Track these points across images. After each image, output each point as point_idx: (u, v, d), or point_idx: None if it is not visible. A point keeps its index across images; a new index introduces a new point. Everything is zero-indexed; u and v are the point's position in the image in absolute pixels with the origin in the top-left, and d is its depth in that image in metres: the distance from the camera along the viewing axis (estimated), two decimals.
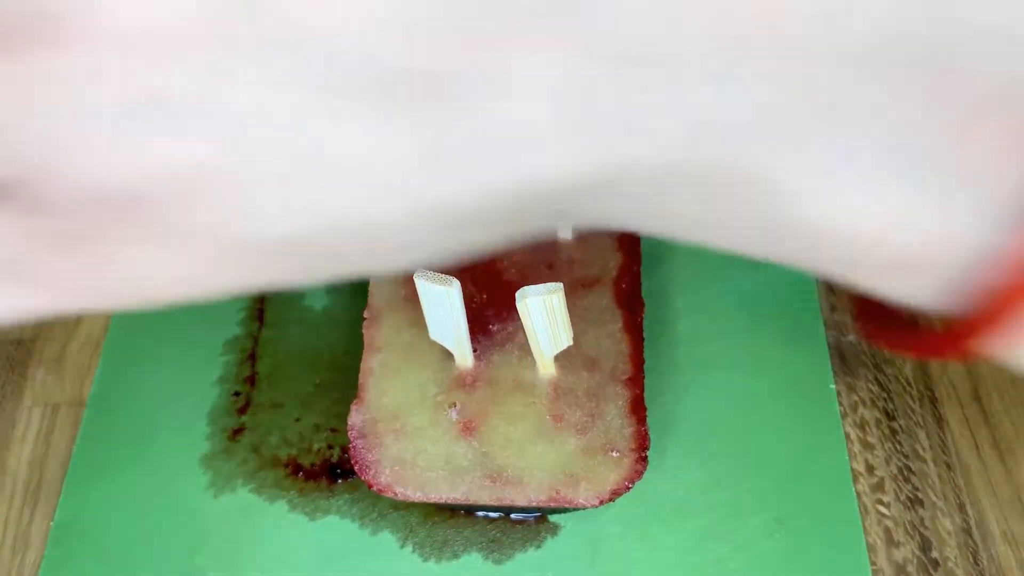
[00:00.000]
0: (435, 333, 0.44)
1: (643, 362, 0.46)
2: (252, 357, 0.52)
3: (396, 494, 0.43)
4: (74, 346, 0.54)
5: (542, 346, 0.43)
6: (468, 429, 0.44)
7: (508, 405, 0.45)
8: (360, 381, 0.46)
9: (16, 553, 0.48)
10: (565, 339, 0.43)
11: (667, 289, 0.53)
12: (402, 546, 0.46)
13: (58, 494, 0.49)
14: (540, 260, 0.49)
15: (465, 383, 0.46)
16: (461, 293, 0.41)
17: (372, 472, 0.43)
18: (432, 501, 0.43)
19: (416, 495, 0.43)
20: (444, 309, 0.42)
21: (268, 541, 0.47)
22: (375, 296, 0.48)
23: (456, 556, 0.46)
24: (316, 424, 0.50)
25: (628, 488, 0.42)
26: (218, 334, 0.53)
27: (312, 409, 0.50)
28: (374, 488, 0.43)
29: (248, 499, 0.48)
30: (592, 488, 0.42)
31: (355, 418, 0.45)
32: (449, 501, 0.43)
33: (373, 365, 0.46)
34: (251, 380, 0.51)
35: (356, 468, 0.44)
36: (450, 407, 0.45)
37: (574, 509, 0.43)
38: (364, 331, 0.47)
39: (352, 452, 0.44)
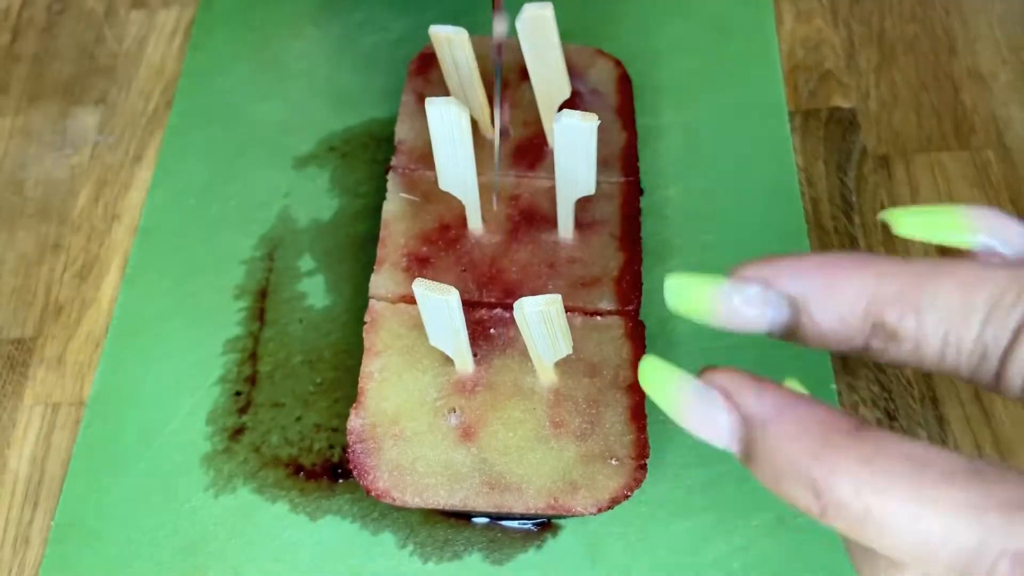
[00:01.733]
0: (434, 339, 0.44)
1: None
2: (253, 356, 0.52)
3: (394, 499, 0.43)
4: (75, 345, 0.54)
5: (541, 355, 0.43)
6: (468, 435, 0.44)
7: (508, 410, 0.45)
8: (360, 385, 0.46)
9: (17, 552, 0.48)
10: (564, 348, 0.43)
11: None
12: (403, 546, 0.46)
13: (59, 493, 0.49)
14: (541, 259, 0.49)
15: (465, 388, 0.45)
16: (460, 303, 0.41)
17: (370, 477, 0.43)
18: (430, 507, 0.43)
19: (414, 500, 0.43)
20: (443, 317, 0.42)
21: (269, 541, 0.47)
22: (376, 300, 0.48)
23: (457, 556, 0.46)
24: (317, 424, 0.50)
25: (627, 496, 0.42)
26: (219, 334, 0.53)
27: (313, 409, 0.50)
28: (372, 493, 0.43)
29: (249, 499, 0.48)
30: (591, 496, 0.42)
31: (354, 422, 0.45)
32: (446, 507, 0.43)
33: (373, 369, 0.46)
34: (252, 380, 0.51)
35: (354, 473, 0.44)
36: (450, 412, 0.45)
37: (572, 516, 0.43)
38: (364, 335, 0.47)
39: (350, 456, 0.44)
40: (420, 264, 0.49)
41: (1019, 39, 0.63)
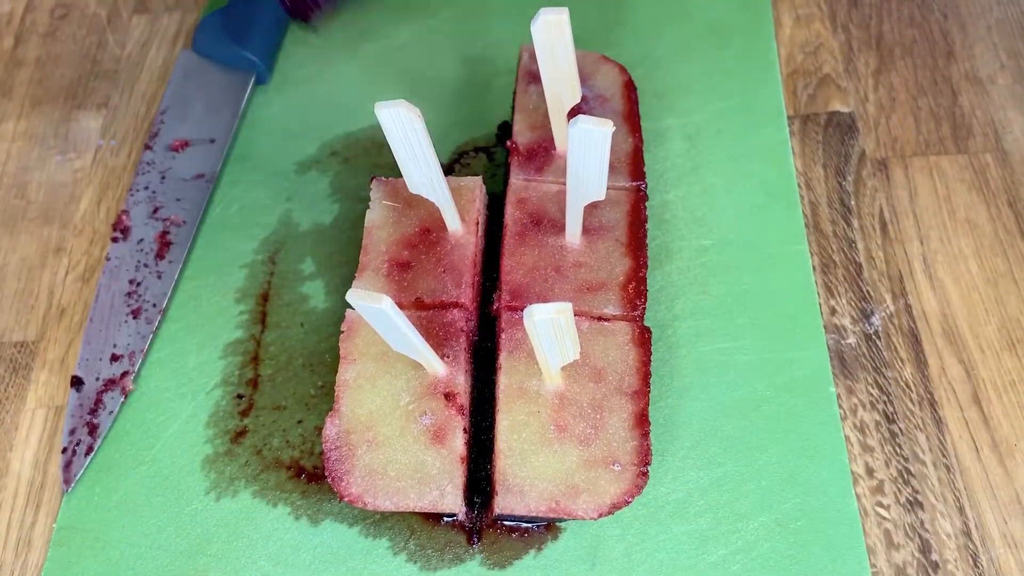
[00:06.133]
0: (396, 345, 0.44)
1: (649, 375, 0.45)
2: (255, 360, 0.52)
3: (366, 504, 0.43)
4: (77, 349, 0.54)
5: (549, 361, 0.43)
6: (438, 437, 0.44)
7: (512, 412, 0.45)
8: (336, 393, 0.46)
9: (19, 554, 0.48)
10: (572, 353, 0.43)
11: (668, 292, 0.53)
12: (402, 549, 0.46)
13: (61, 496, 0.49)
14: (548, 263, 0.49)
15: (436, 390, 0.46)
16: (396, 308, 0.40)
17: (343, 483, 0.43)
18: (401, 510, 0.43)
19: (385, 504, 0.43)
20: (388, 325, 0.41)
21: (270, 544, 0.47)
22: (352, 309, 0.48)
23: (458, 560, 0.46)
24: (318, 427, 0.50)
25: (628, 502, 0.42)
26: (220, 337, 0.53)
27: (315, 412, 0.50)
28: (344, 499, 0.43)
29: (250, 502, 0.48)
30: (592, 500, 0.42)
31: (329, 430, 0.45)
32: (417, 509, 0.43)
33: (348, 377, 0.46)
34: (253, 383, 0.52)
35: (328, 479, 0.44)
36: (421, 415, 0.45)
37: (571, 520, 0.43)
38: (340, 344, 0.47)
39: (325, 463, 0.44)
40: (400, 268, 0.49)
41: (1017, 43, 0.63)
